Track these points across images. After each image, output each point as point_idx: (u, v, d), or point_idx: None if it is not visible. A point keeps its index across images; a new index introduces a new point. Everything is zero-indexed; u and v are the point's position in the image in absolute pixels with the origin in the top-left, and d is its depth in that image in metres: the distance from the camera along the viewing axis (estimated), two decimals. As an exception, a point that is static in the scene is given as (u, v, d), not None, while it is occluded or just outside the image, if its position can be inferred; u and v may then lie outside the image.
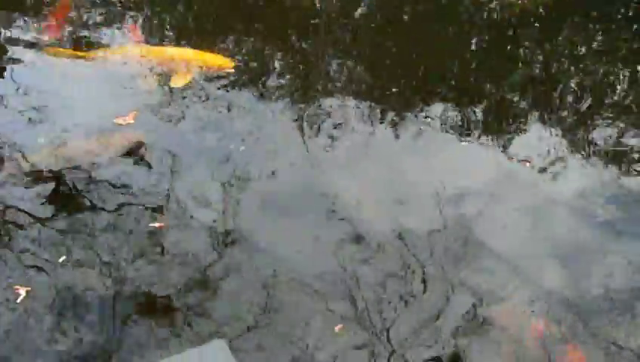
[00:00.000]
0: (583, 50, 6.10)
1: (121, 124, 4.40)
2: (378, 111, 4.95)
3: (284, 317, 3.06)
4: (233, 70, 5.10)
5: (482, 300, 3.47)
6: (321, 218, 3.89)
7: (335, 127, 4.74)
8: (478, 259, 3.81)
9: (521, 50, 5.94)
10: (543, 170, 4.58)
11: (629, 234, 4.19)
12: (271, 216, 3.80)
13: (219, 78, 5.05)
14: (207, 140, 4.37)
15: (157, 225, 3.54)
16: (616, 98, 5.44)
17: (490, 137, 4.81)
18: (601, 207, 4.28)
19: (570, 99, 5.38)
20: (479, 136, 4.81)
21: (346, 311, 3.34)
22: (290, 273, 3.36)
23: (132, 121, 4.42)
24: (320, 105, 4.90)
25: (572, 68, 5.84)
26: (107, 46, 5.32)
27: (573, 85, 5.51)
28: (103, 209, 3.71)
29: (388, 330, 3.34)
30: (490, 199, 4.24)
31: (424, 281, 3.63)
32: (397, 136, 4.73)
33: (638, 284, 3.79)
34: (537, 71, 5.67)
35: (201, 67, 5.09)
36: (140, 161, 4.07)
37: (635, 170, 4.75)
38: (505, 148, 4.71)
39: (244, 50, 5.51)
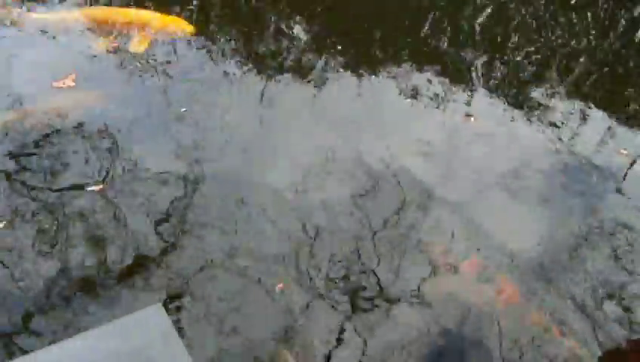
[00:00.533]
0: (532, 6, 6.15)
1: (61, 87, 4.26)
2: (330, 68, 4.91)
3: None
4: (192, 35, 4.93)
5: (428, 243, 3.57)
6: (261, 181, 3.86)
7: (286, 90, 4.70)
8: (427, 208, 3.86)
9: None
10: (492, 125, 4.64)
11: (570, 186, 4.29)
12: (216, 182, 3.75)
13: (176, 42, 4.92)
14: (153, 105, 4.26)
15: (96, 188, 3.46)
16: (562, 58, 5.52)
17: (437, 94, 4.84)
18: (543, 159, 4.37)
19: (518, 57, 5.44)
20: (428, 95, 4.83)
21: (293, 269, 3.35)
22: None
23: (72, 84, 4.27)
24: (274, 75, 4.84)
25: (523, 26, 5.90)
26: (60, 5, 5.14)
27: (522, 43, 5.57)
28: (42, 171, 3.62)
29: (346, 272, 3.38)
30: (438, 154, 4.28)
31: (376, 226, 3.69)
32: (345, 93, 4.70)
33: (575, 231, 3.91)
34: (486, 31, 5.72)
35: (159, 31, 4.89)
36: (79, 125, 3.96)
37: (577, 126, 4.85)
38: (449, 103, 4.74)
39: (205, 15, 5.34)
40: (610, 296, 3.57)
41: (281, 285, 3.17)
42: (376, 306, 3.35)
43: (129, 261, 3.09)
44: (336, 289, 3.37)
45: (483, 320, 3.34)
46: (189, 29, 4.93)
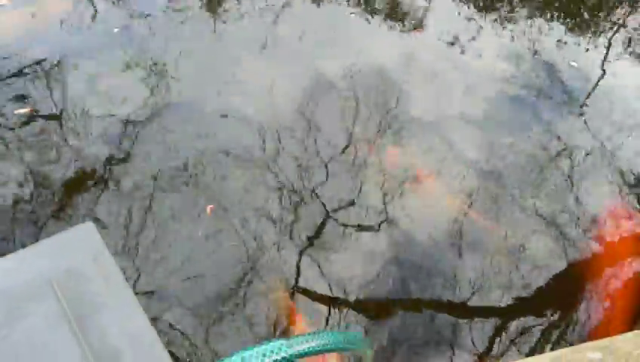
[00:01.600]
0: None
1: None
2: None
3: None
4: None
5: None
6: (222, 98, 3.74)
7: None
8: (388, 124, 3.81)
9: None
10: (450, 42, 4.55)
11: (522, 101, 4.26)
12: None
13: None
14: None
15: (22, 111, 3.30)
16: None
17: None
18: (497, 76, 4.32)
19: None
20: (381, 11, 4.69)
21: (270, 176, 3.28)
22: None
23: (6, 3, 3.99)
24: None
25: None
26: None
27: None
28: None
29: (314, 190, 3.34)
30: (394, 71, 4.19)
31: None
32: (304, 13, 4.55)
33: (534, 151, 3.92)
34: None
35: None
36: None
37: (530, 39, 4.77)
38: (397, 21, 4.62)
39: None
40: (566, 210, 3.62)
41: (211, 206, 3.10)
42: (339, 228, 3.32)
43: (71, 175, 2.98)
44: (293, 209, 3.32)
45: (447, 237, 3.36)
46: None
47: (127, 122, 3.47)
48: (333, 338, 1.38)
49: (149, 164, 3.26)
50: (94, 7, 4.16)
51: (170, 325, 2.84)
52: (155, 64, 3.85)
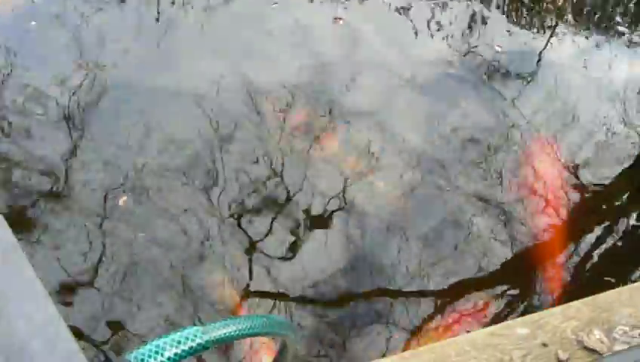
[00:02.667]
0: None
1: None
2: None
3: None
4: None
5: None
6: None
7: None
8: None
9: None
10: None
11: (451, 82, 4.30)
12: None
13: None
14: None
15: None
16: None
17: None
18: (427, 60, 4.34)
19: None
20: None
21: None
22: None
23: None
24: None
25: None
26: None
27: None
28: None
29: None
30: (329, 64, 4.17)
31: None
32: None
33: (476, 136, 3.97)
34: None
35: None
36: None
37: (459, 23, 4.81)
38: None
39: None
40: (511, 188, 3.67)
41: (124, 198, 3.03)
42: (288, 221, 3.29)
43: None
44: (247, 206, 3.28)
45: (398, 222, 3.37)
46: None
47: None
48: (253, 323, 1.35)
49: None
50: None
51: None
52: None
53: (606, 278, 3.42)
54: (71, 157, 3.38)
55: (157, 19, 4.15)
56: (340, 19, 4.24)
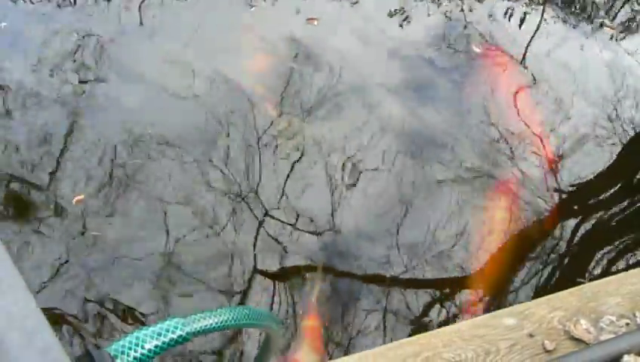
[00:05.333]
0: None
1: None
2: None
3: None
4: None
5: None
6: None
7: None
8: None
9: None
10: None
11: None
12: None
13: None
14: None
15: None
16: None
17: None
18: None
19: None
20: None
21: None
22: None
23: None
24: None
25: None
26: None
27: None
28: None
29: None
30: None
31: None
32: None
33: (456, 121, 3.96)
34: None
35: None
36: None
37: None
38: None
39: None
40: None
41: (79, 198, 2.97)
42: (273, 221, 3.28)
43: None
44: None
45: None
46: None
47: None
48: (235, 315, 1.34)
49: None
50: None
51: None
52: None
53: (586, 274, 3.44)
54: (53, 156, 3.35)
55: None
56: (314, 19, 4.21)
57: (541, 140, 3.94)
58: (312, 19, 4.18)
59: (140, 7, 4.13)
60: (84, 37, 3.80)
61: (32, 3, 3.98)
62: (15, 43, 3.73)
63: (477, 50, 4.29)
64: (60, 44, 3.74)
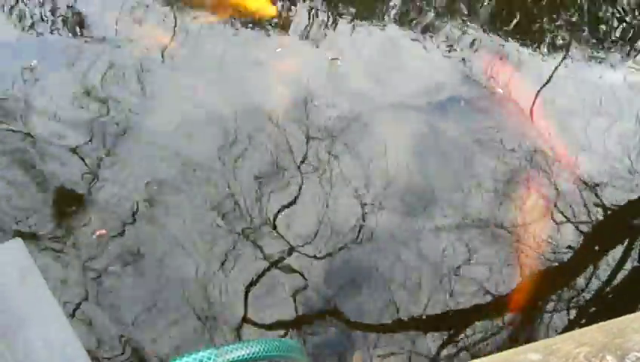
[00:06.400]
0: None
1: None
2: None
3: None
4: (271, 17, 4.52)
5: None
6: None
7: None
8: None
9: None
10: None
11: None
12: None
13: (245, 23, 4.40)
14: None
15: None
16: None
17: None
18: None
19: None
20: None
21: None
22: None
23: None
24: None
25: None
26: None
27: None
28: None
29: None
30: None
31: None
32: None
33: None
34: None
35: (235, 6, 4.46)
36: None
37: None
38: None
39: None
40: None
41: (101, 232, 2.99)
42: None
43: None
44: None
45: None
46: (271, 11, 4.54)
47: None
48: (266, 347, 1.37)
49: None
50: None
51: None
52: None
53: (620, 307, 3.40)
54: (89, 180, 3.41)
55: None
56: (337, 59, 4.28)
57: (569, 171, 3.94)
58: (335, 59, 4.26)
59: (171, 39, 4.22)
60: (111, 69, 3.89)
61: (60, 35, 4.08)
62: (43, 76, 3.82)
63: (500, 90, 4.34)
64: (85, 76, 3.82)
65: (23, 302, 1.30)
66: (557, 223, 3.71)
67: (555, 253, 3.63)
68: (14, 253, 1.45)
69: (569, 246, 3.64)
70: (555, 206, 3.77)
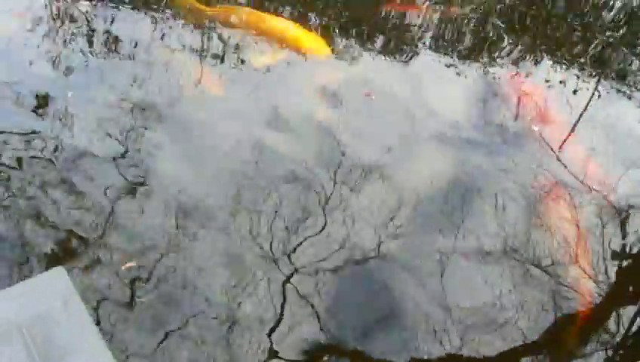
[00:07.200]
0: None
1: None
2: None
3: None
4: (326, 59, 4.48)
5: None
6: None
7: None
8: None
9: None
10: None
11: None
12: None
13: (299, 64, 4.39)
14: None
15: None
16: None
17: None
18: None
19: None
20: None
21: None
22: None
23: None
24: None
25: None
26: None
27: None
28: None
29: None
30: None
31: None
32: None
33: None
34: None
35: (290, 46, 4.44)
36: None
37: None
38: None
39: (353, 40, 4.83)
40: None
41: (130, 264, 2.98)
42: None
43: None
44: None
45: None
46: (326, 51, 4.50)
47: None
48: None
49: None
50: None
51: None
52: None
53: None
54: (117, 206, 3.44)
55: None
56: (371, 94, 4.29)
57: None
58: (368, 93, 4.28)
59: (200, 79, 4.28)
60: (143, 109, 3.94)
61: (101, 72, 4.16)
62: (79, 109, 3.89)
63: (535, 128, 4.32)
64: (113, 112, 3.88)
65: (66, 333, 1.31)
66: (587, 261, 3.66)
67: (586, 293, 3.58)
68: (57, 282, 1.47)
69: (601, 285, 3.58)
70: (586, 242, 3.72)
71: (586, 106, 4.61)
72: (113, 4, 4.65)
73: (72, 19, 4.51)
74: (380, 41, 4.99)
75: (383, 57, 4.76)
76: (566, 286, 3.53)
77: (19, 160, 3.47)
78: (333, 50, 4.59)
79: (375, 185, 3.80)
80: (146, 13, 4.68)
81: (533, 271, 3.53)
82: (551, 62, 5.10)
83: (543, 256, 3.64)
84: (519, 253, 3.66)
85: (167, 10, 4.73)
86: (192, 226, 3.41)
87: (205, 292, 3.11)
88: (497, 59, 5.02)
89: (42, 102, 3.83)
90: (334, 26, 4.97)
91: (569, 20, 5.78)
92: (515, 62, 5.02)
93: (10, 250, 2.90)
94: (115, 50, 4.31)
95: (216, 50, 4.46)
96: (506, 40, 5.27)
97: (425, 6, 5.47)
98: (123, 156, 3.68)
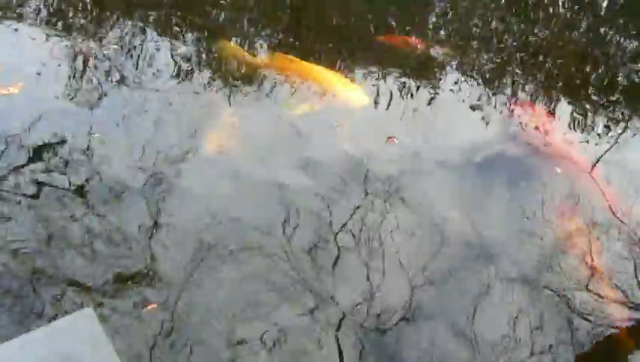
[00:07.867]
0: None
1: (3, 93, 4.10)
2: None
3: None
4: (361, 108, 4.45)
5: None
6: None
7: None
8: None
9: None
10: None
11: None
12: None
13: (335, 113, 4.33)
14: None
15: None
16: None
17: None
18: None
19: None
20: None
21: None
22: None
23: (16, 91, 4.11)
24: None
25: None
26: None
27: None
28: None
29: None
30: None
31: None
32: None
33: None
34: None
35: (327, 94, 4.43)
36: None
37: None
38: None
39: (388, 88, 4.77)
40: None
41: (153, 306, 2.93)
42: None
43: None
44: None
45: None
46: (364, 100, 4.46)
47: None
48: None
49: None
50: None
51: None
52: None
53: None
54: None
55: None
56: (394, 138, 4.27)
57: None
58: (391, 137, 4.27)
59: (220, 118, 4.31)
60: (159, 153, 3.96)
61: (124, 119, 4.21)
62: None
63: (558, 170, 4.29)
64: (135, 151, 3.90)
65: (94, 375, 1.31)
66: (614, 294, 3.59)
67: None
68: (85, 323, 1.47)
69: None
70: (613, 275, 3.65)
71: (610, 148, 4.59)
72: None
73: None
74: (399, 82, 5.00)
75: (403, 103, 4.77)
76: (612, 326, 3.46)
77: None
78: (369, 100, 4.56)
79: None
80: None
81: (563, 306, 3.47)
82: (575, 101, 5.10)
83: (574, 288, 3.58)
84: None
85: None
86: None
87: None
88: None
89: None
90: (372, 75, 4.97)
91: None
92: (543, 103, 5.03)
93: (38, 290, 2.93)
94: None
95: (252, 96, 4.47)
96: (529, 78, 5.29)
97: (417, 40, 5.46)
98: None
